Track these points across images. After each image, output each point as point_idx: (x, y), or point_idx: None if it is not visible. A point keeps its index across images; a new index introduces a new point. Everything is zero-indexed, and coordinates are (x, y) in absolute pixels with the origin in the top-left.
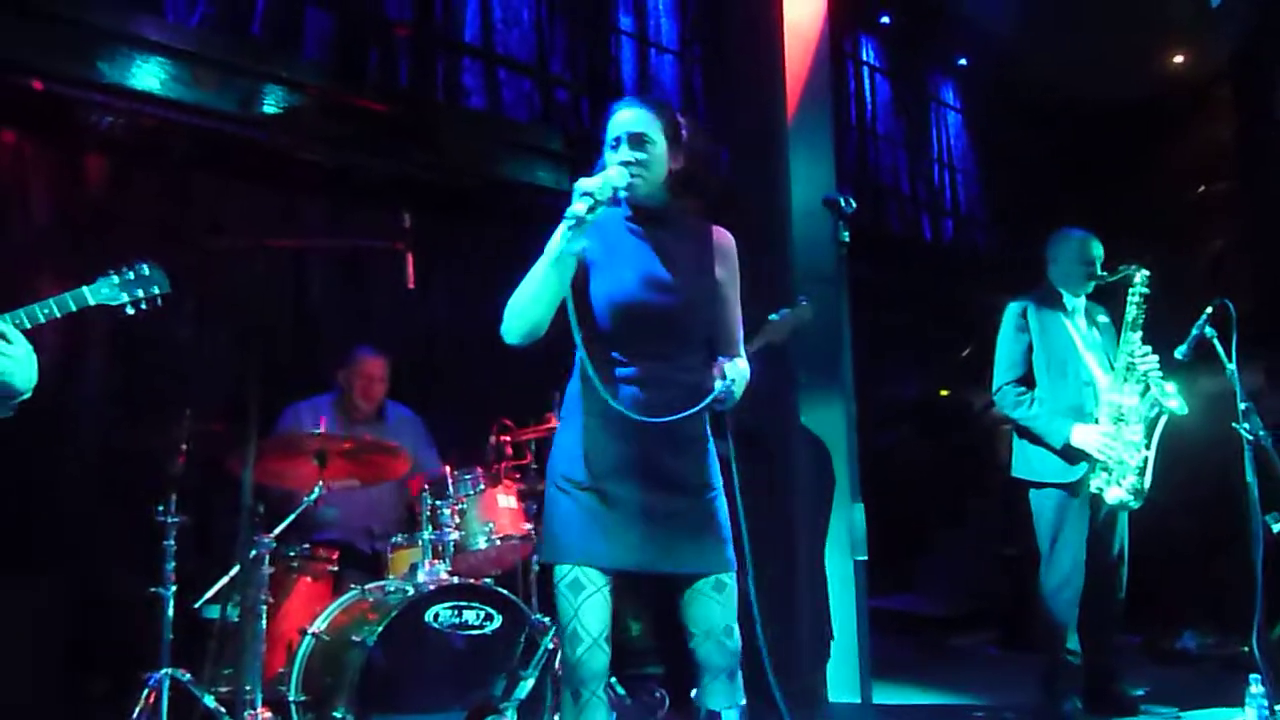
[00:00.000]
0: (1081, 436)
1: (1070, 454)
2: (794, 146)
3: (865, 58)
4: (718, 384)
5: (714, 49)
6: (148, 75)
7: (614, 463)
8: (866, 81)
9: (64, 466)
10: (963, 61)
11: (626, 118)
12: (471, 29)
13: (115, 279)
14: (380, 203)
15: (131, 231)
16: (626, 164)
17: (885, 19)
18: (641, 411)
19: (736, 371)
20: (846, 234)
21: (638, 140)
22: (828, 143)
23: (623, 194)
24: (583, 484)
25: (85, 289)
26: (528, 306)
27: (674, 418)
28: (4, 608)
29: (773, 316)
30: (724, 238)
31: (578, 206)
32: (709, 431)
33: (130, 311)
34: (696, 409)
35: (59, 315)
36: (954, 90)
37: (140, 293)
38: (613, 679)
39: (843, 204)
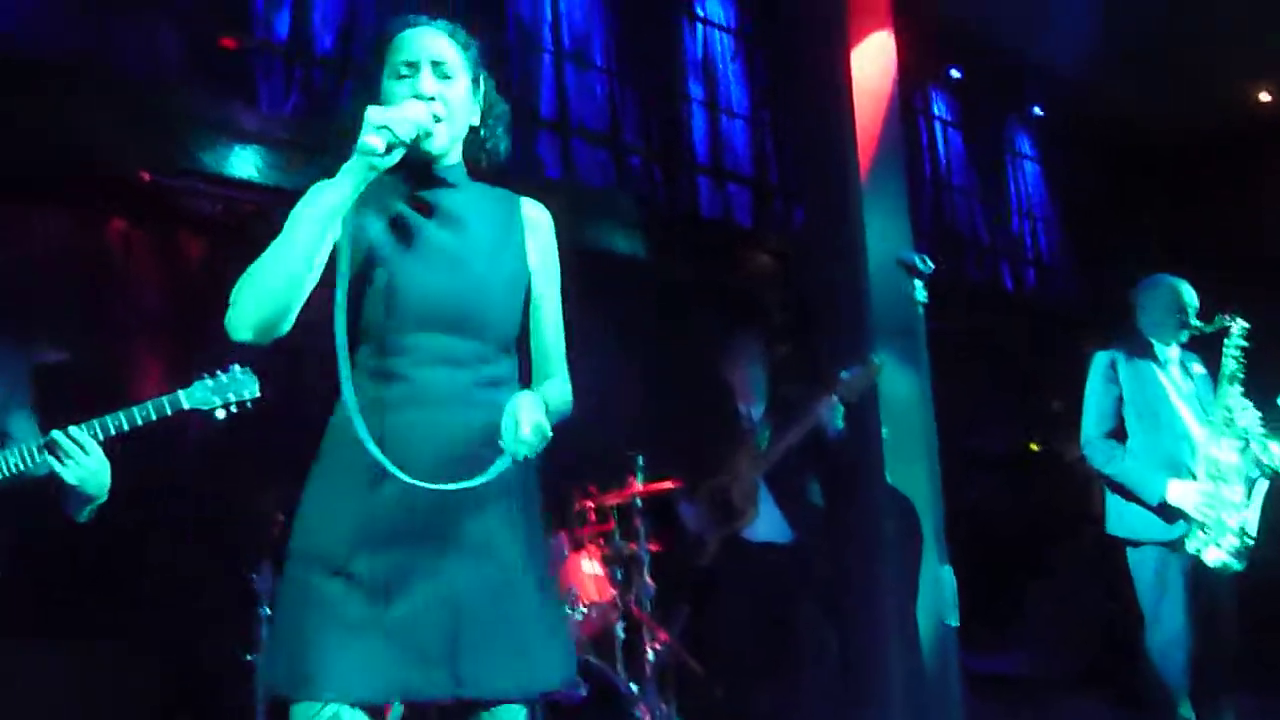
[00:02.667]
0: (1178, 493)
1: (1167, 511)
2: (868, 204)
3: (937, 112)
4: (510, 439)
5: (784, 112)
6: (245, 163)
7: (378, 525)
8: (939, 135)
9: (160, 529)
10: (1037, 110)
11: (429, 40)
12: (547, 103)
13: (209, 382)
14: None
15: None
16: (429, 100)
17: (955, 73)
18: (420, 440)
19: (535, 405)
20: (924, 293)
21: (441, 73)
22: (902, 199)
23: (425, 144)
24: (330, 564)
25: (180, 393)
26: (279, 285)
27: (461, 485)
28: (96, 670)
29: (844, 374)
30: (537, 213)
31: (372, 140)
32: (535, 475)
33: (221, 415)
34: (485, 476)
35: (155, 419)
36: (1029, 139)
37: (232, 396)
38: None
39: (918, 263)
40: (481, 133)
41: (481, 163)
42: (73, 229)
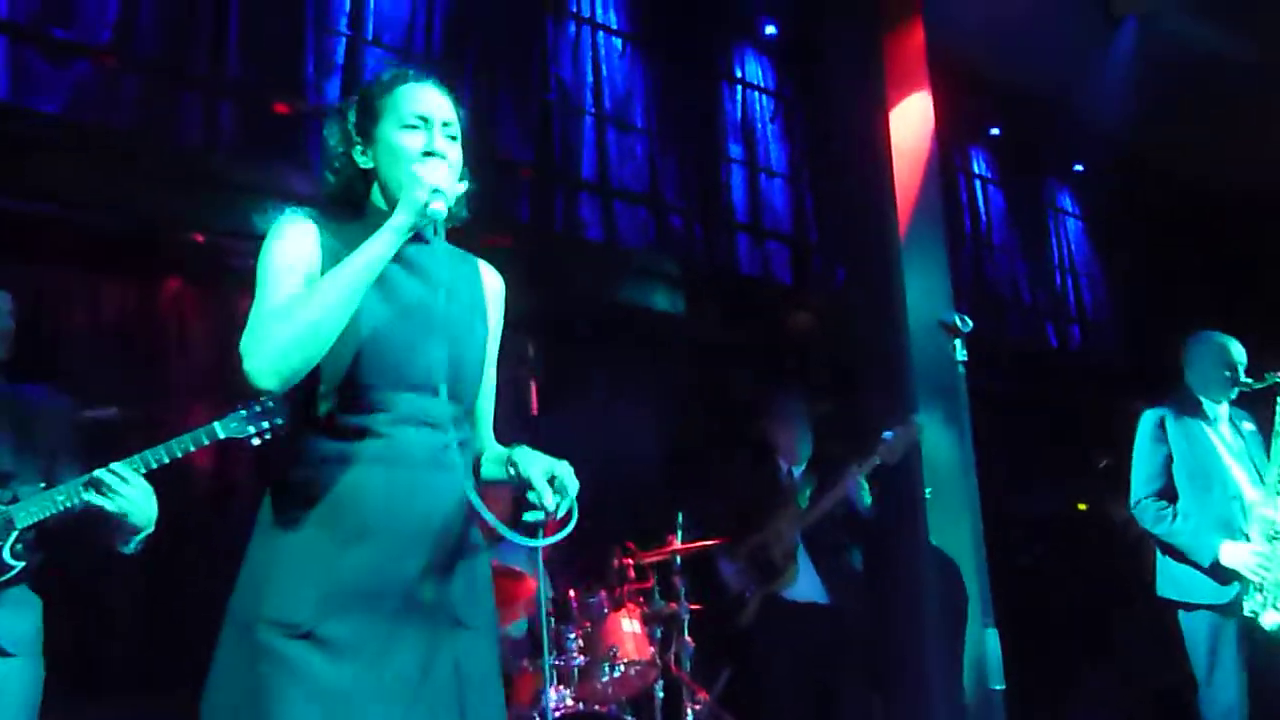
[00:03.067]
0: (1231, 555)
1: (1220, 573)
2: (908, 263)
3: (976, 170)
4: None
5: (824, 172)
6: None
7: (344, 587)
8: (979, 193)
9: (205, 587)
10: (1078, 167)
11: (440, 99)
12: (588, 165)
13: (243, 413)
14: (506, 333)
15: None
16: (443, 158)
17: (995, 130)
18: (398, 499)
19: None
20: (964, 353)
21: (449, 133)
22: (942, 257)
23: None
24: (295, 628)
25: (215, 424)
26: (318, 336)
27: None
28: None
29: (886, 435)
30: (494, 278)
31: (437, 206)
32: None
33: (256, 443)
34: (563, 533)
35: (193, 450)
36: (1071, 196)
37: (265, 424)
38: None
39: (959, 323)
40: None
41: (448, 224)
42: (130, 289)
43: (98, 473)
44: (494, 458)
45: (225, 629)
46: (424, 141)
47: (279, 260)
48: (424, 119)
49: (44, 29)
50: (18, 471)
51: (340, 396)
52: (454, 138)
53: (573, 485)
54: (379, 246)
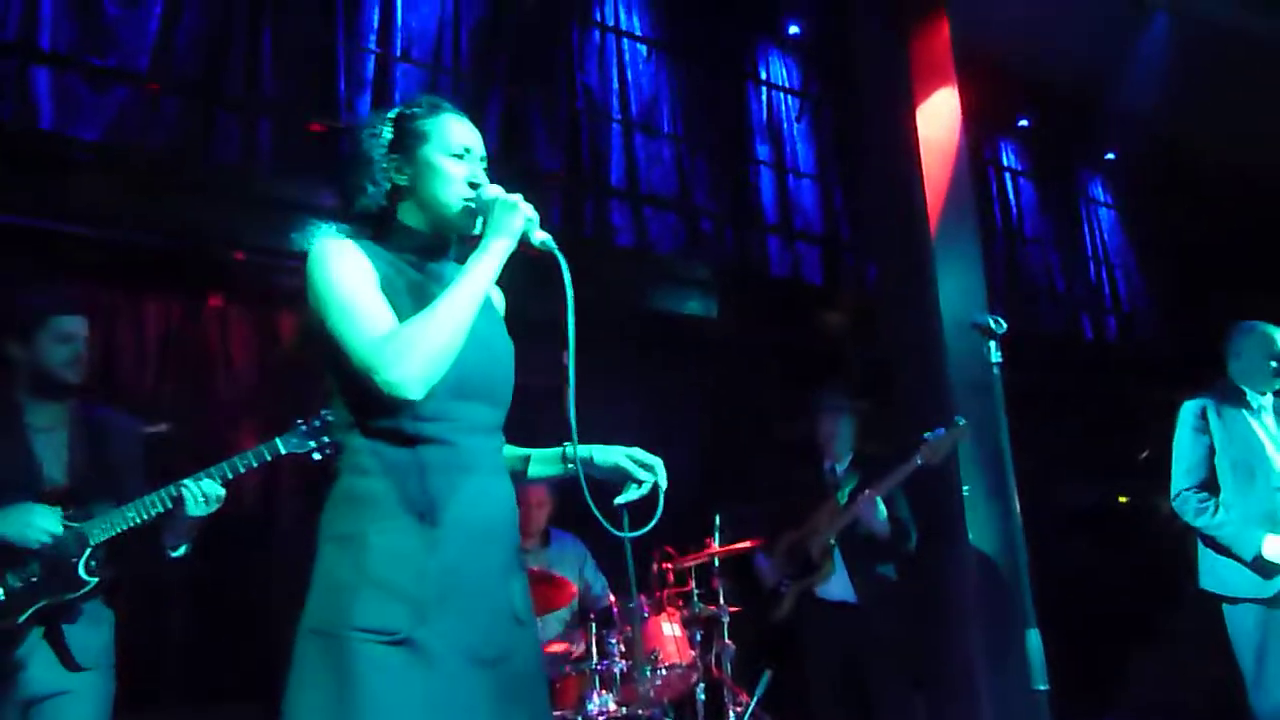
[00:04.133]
0: (1275, 548)
1: (1264, 567)
2: (941, 259)
3: (1006, 162)
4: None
5: (852, 170)
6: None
7: (432, 591)
8: (1009, 185)
9: (272, 595)
10: (1110, 155)
11: (476, 137)
12: (617, 171)
13: (303, 428)
14: (537, 341)
15: (319, 382)
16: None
17: (1024, 122)
18: (471, 505)
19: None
20: (999, 354)
21: (484, 166)
22: (975, 251)
23: (470, 228)
24: (392, 635)
25: (278, 440)
26: (449, 349)
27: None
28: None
29: (928, 435)
30: (500, 295)
31: (540, 235)
32: None
33: (317, 457)
34: (652, 523)
35: (256, 465)
36: (1103, 185)
37: (326, 439)
38: None
39: (992, 325)
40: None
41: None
42: (175, 309)
43: (187, 482)
44: (536, 459)
45: (305, 640)
46: (468, 172)
47: (354, 280)
48: (468, 150)
49: (84, 57)
50: (92, 492)
51: (411, 407)
52: (485, 170)
53: (657, 459)
54: (487, 269)
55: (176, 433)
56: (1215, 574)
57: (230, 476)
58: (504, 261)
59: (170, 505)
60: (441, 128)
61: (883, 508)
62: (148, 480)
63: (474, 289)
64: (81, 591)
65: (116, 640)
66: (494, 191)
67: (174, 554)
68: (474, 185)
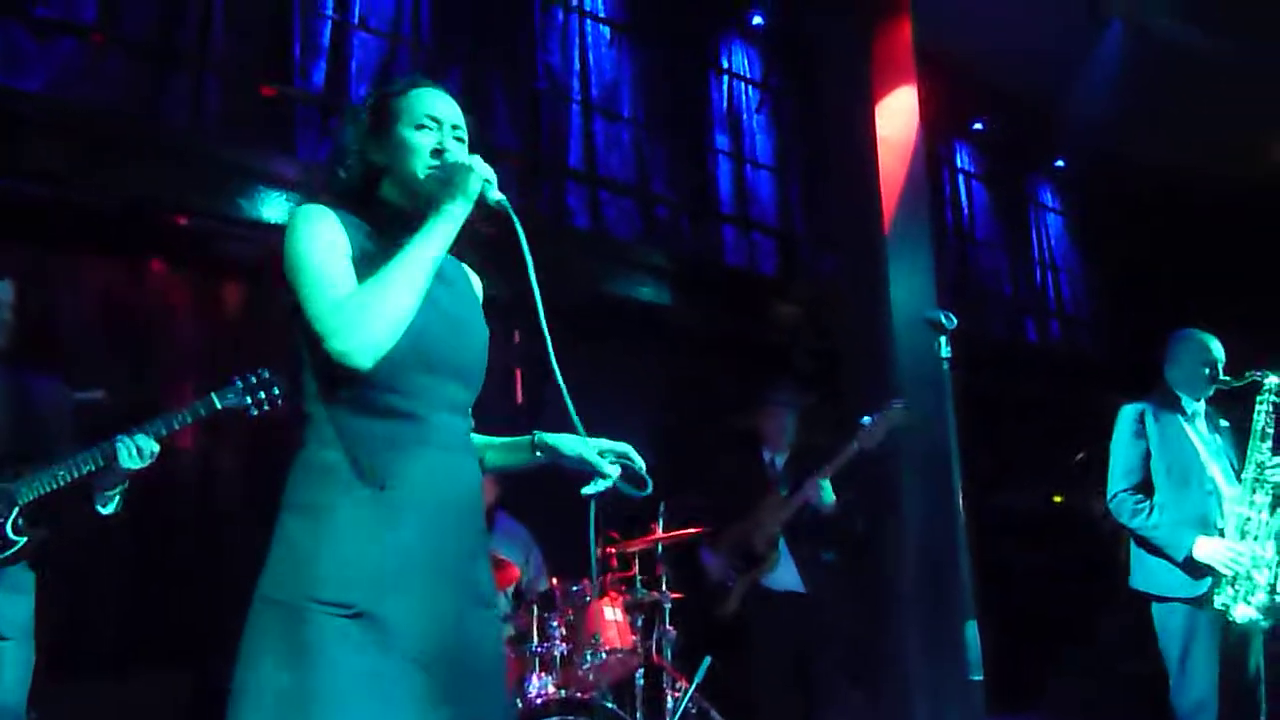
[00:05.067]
0: (1205, 549)
1: (1194, 567)
2: (893, 255)
3: (961, 164)
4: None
5: (810, 163)
6: (281, 209)
7: (394, 566)
8: (963, 187)
9: (206, 559)
10: (1060, 163)
11: (450, 104)
12: (575, 153)
13: (239, 385)
14: (489, 322)
15: (263, 349)
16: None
17: (978, 125)
18: (440, 481)
19: None
20: (949, 350)
21: (458, 136)
22: (927, 250)
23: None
24: (350, 608)
25: (213, 395)
26: (402, 316)
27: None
28: (146, 702)
29: (864, 420)
30: (477, 280)
31: (496, 193)
32: None
33: (254, 413)
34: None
35: (191, 422)
36: (1053, 192)
37: (263, 395)
38: None
39: (943, 320)
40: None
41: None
42: (115, 273)
43: (134, 438)
44: (501, 446)
45: (261, 610)
46: (435, 140)
47: (323, 247)
48: (435, 120)
49: (27, 5)
50: (20, 454)
51: (375, 378)
52: (462, 140)
53: (628, 447)
54: (441, 231)
55: (115, 398)
56: (1146, 573)
57: (165, 433)
58: (459, 223)
59: (103, 462)
60: (411, 102)
61: (829, 490)
62: (81, 443)
63: (427, 253)
64: (7, 553)
65: (42, 607)
66: (455, 156)
67: (104, 509)
68: (440, 153)
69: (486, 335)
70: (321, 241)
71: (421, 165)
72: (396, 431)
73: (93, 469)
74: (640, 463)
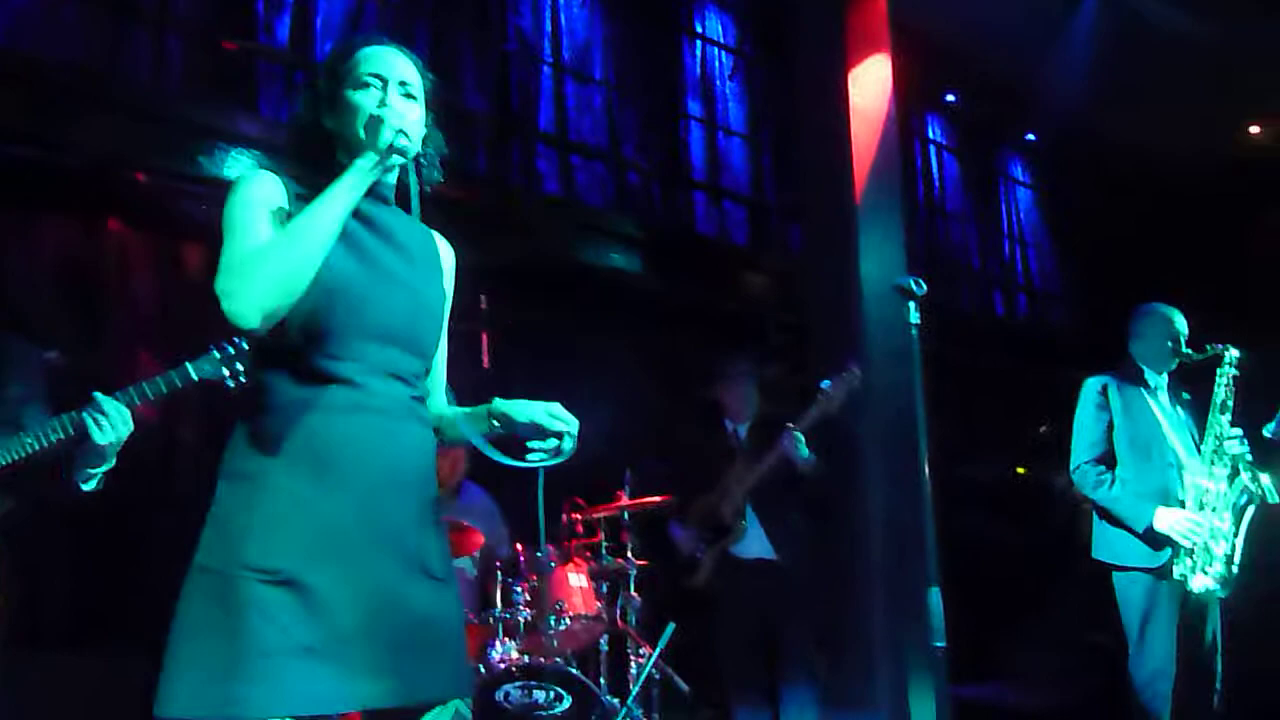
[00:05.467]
0: (1166, 521)
1: (1153, 538)
2: (863, 226)
3: (933, 136)
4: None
5: (782, 132)
6: (243, 167)
7: (325, 534)
8: (934, 159)
9: (166, 536)
10: (1031, 137)
11: (397, 60)
12: (546, 117)
13: (216, 355)
14: (456, 286)
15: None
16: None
17: (951, 97)
18: (371, 447)
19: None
20: (917, 315)
21: (406, 92)
22: (897, 222)
23: (391, 159)
24: (277, 574)
25: (189, 365)
26: (299, 274)
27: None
28: (105, 679)
29: (824, 384)
30: (446, 248)
31: (404, 142)
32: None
33: (230, 385)
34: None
35: (166, 392)
36: (1023, 166)
37: (239, 366)
38: None
39: (912, 286)
40: (422, 160)
41: (415, 189)
42: (72, 232)
43: (104, 407)
44: (463, 417)
45: (193, 577)
46: (376, 99)
47: (252, 206)
48: (378, 77)
49: None
50: None
51: (311, 343)
52: (411, 96)
53: (572, 418)
54: (347, 185)
55: (70, 361)
56: (1108, 544)
57: (137, 402)
58: (365, 178)
59: (71, 431)
60: (356, 62)
61: (804, 444)
62: (48, 409)
63: (329, 212)
64: None
65: (2, 579)
66: (382, 112)
67: (85, 486)
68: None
69: (440, 302)
70: (252, 201)
71: (363, 125)
72: (333, 398)
73: (61, 438)
74: (570, 440)
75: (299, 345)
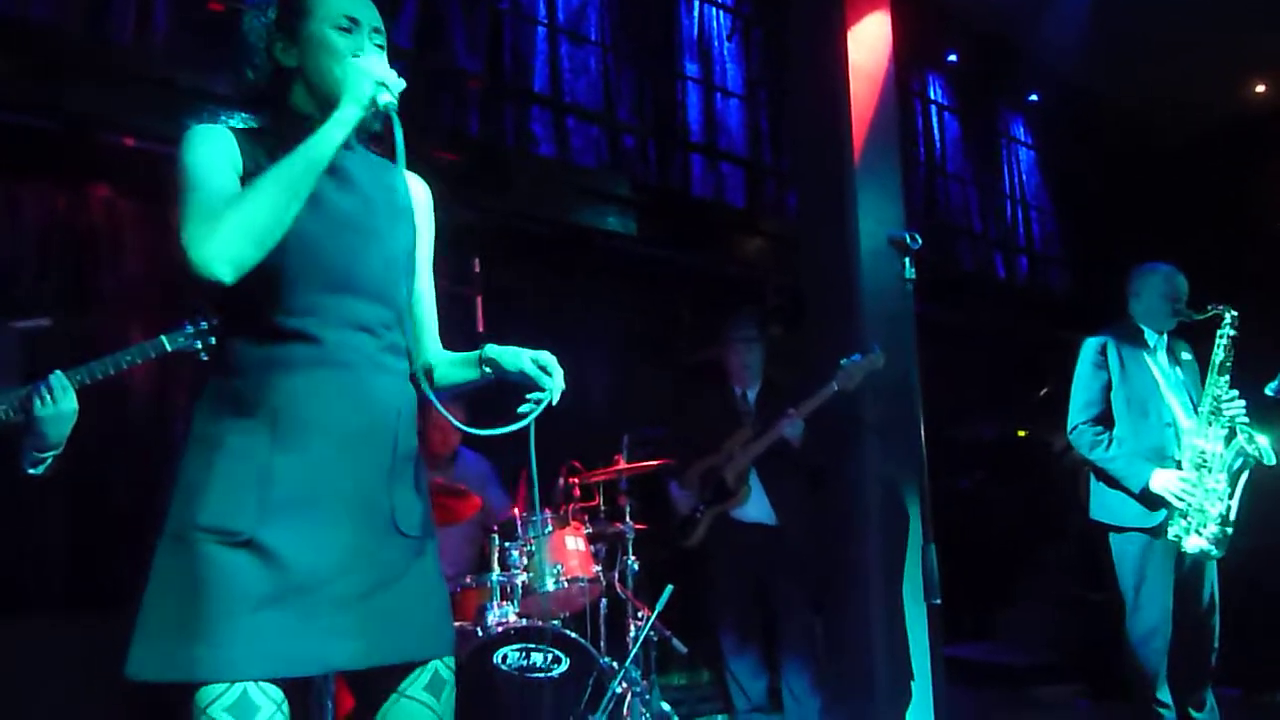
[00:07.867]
0: (1161, 481)
1: (1149, 498)
2: (861, 187)
3: (933, 96)
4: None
5: (779, 92)
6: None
7: (285, 493)
8: (935, 119)
9: (145, 501)
10: (1033, 97)
11: (367, 6)
12: (540, 78)
13: (190, 328)
14: (450, 249)
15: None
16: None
17: (952, 57)
18: (335, 401)
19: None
20: (913, 270)
21: (377, 41)
22: (896, 183)
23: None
24: (234, 536)
25: (163, 337)
26: (273, 225)
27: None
28: (81, 645)
29: (844, 361)
30: (420, 187)
31: (385, 97)
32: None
33: (205, 358)
34: (524, 423)
35: (140, 363)
36: (1024, 126)
37: (214, 339)
38: None
39: (908, 240)
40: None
41: (400, 144)
42: (57, 196)
43: (50, 380)
44: (456, 361)
45: (160, 542)
46: (354, 44)
47: (207, 157)
48: (355, 20)
49: None
50: None
51: (271, 301)
52: (381, 47)
53: (558, 369)
54: (327, 137)
55: (57, 329)
56: (1104, 504)
57: (112, 372)
58: (346, 131)
59: (18, 408)
60: (323, 1)
61: (802, 426)
62: (24, 380)
63: (306, 161)
64: None
65: None
66: (361, 59)
67: (32, 471)
68: (358, 56)
69: (408, 246)
70: (207, 152)
71: (349, 64)
72: (291, 354)
73: (12, 415)
74: (557, 386)
75: (257, 303)
